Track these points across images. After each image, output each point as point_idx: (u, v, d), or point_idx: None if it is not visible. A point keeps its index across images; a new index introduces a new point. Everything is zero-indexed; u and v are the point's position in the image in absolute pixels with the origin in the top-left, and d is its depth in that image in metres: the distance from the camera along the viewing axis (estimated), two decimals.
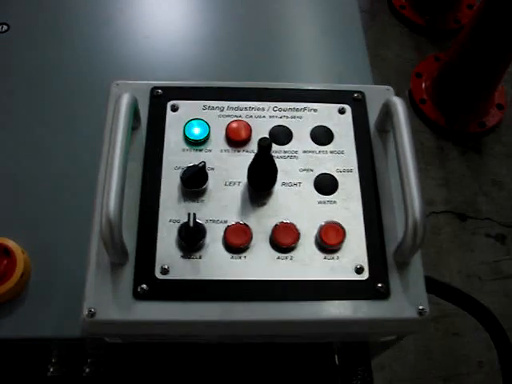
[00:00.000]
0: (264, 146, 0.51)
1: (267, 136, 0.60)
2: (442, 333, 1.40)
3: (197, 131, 0.60)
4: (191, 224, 0.52)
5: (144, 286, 0.52)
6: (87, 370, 0.75)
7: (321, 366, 0.76)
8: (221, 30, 0.85)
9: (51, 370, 0.73)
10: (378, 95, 0.64)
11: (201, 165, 0.55)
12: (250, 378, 0.77)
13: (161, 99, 0.62)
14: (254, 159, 0.54)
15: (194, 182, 0.56)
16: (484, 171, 1.77)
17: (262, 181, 0.56)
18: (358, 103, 0.64)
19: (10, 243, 0.62)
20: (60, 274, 0.64)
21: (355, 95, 0.64)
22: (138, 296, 0.52)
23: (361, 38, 0.87)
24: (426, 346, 1.42)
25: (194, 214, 0.53)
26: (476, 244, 1.65)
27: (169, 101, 0.62)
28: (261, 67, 0.81)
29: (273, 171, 0.55)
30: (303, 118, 0.62)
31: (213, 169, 0.58)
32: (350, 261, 0.55)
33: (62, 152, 0.72)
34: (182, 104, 0.62)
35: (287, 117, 0.62)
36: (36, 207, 0.69)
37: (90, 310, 0.51)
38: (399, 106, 0.57)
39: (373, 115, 0.63)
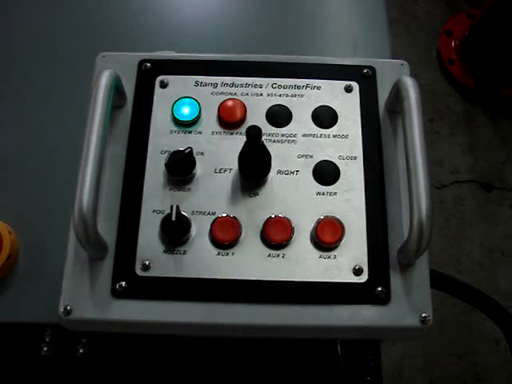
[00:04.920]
0: (253, 135, 0.46)
1: (264, 117, 0.55)
2: (459, 308, 1.36)
3: (186, 111, 0.55)
4: (174, 218, 0.47)
5: (123, 283, 0.49)
6: (81, 350, 0.74)
7: (322, 355, 0.73)
8: None
9: (45, 349, 0.72)
10: (391, 71, 0.58)
11: (187, 151, 0.50)
12: (248, 366, 0.74)
13: (149, 74, 0.57)
14: (243, 148, 0.49)
15: (180, 169, 0.51)
16: None
17: (253, 171, 0.50)
18: (367, 80, 0.58)
19: None
20: (51, 254, 0.62)
21: (364, 71, 0.58)
22: (117, 294, 0.49)
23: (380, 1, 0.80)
24: (442, 321, 1.38)
25: (177, 207, 0.48)
26: (501, 216, 1.57)
27: (158, 76, 0.57)
28: (266, 30, 0.75)
29: (265, 161, 0.50)
30: (305, 97, 0.56)
31: (202, 153, 0.53)
32: (348, 260, 0.50)
33: (53, 125, 0.69)
34: (172, 80, 0.57)
35: (287, 95, 0.56)
36: (25, 184, 0.66)
37: (66, 308, 0.48)
38: (411, 89, 0.51)
39: (383, 94, 0.57)
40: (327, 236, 0.50)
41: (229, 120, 0.54)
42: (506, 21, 1.61)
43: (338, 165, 0.53)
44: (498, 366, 1.39)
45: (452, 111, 1.69)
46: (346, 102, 0.56)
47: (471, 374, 1.39)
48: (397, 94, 0.53)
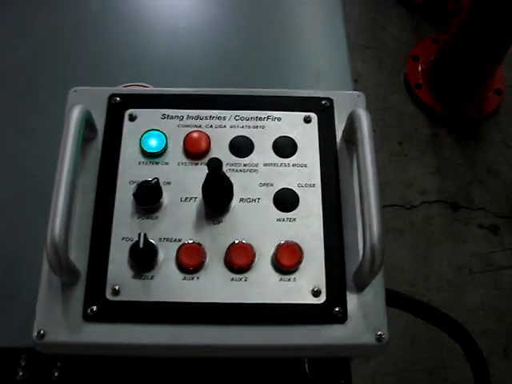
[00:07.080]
0: (213, 167, 0.49)
1: (227, 148, 0.58)
2: (429, 325, 1.39)
3: (153, 143, 0.58)
4: (141, 245, 0.50)
5: (94, 307, 0.51)
6: (56, 373, 0.75)
7: (290, 373, 0.75)
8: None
9: (20, 373, 0.73)
10: (348, 102, 0.61)
11: (153, 181, 0.53)
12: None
13: (119, 107, 0.60)
14: (206, 179, 0.52)
15: (147, 199, 0.54)
16: (479, 159, 1.73)
17: (216, 200, 0.54)
18: (325, 111, 0.61)
19: None
20: (25, 280, 0.63)
21: (323, 102, 0.61)
22: (88, 318, 0.51)
23: (342, 33, 0.84)
24: (413, 338, 1.41)
25: (145, 235, 0.51)
26: (468, 235, 1.62)
27: (127, 109, 0.60)
28: (231, 59, 0.80)
29: (227, 190, 0.53)
30: (266, 128, 0.60)
31: (169, 183, 0.56)
32: (307, 283, 0.53)
33: (27, 156, 0.71)
34: (141, 113, 0.60)
35: (249, 126, 0.60)
36: None
37: (40, 332, 0.50)
38: (363, 120, 0.54)
39: (341, 124, 0.60)
40: (287, 260, 0.53)
41: (194, 151, 0.57)
42: (469, 45, 1.68)
43: (298, 192, 0.56)
44: (468, 381, 1.42)
45: (419, 134, 1.74)
46: (305, 132, 0.60)
47: None
48: (350, 125, 0.57)
